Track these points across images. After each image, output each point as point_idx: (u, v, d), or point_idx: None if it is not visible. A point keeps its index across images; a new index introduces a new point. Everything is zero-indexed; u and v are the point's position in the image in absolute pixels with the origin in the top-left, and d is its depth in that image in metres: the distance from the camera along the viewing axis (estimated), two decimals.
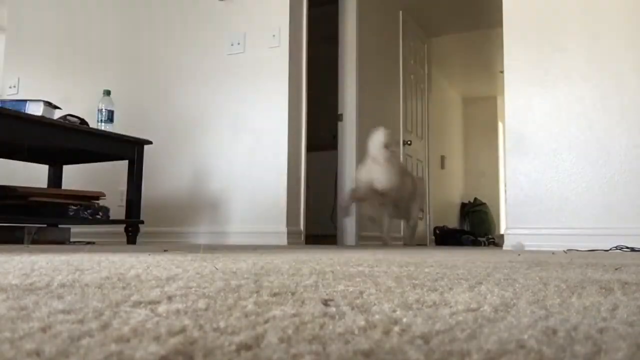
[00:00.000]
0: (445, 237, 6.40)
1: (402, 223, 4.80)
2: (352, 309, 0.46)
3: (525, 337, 0.36)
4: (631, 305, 0.52)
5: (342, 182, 4.43)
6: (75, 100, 4.16)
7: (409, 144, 5.42)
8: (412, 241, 4.33)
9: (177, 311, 0.43)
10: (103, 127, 3.27)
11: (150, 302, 0.47)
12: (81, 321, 0.38)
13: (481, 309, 0.48)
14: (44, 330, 0.35)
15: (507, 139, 3.46)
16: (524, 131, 3.35)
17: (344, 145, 4.46)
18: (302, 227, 3.81)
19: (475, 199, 8.29)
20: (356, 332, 0.37)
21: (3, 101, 2.70)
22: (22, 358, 0.29)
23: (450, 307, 0.49)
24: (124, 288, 0.56)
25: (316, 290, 0.57)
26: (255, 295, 0.53)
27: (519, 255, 2.11)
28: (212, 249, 2.27)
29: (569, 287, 0.65)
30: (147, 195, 3.53)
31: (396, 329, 0.38)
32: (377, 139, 3.60)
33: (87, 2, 4.69)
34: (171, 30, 4.25)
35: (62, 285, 0.58)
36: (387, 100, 5.12)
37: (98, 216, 3.16)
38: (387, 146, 3.55)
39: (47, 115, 2.91)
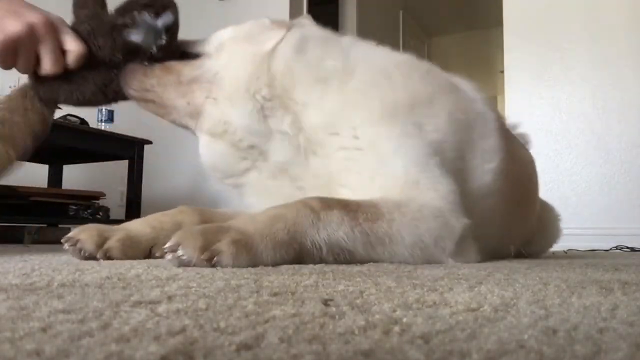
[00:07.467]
0: None
1: None
2: (352, 308, 0.46)
3: (525, 337, 0.36)
4: (631, 305, 0.52)
5: None
6: None
7: None
8: None
9: (177, 311, 0.43)
10: (103, 126, 3.27)
11: (150, 302, 0.47)
12: (81, 321, 0.38)
13: (481, 309, 0.48)
14: (44, 330, 0.35)
15: None
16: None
17: None
18: None
19: None
20: (356, 332, 0.37)
21: None
22: (22, 358, 0.29)
23: (450, 307, 0.49)
24: (124, 288, 0.56)
25: (316, 290, 0.57)
26: (255, 295, 0.53)
27: None
28: None
29: (569, 287, 0.65)
30: (147, 195, 3.53)
31: (396, 328, 0.38)
32: None
33: None
34: None
35: (62, 285, 0.58)
36: None
37: (98, 216, 3.16)
38: None
39: None
